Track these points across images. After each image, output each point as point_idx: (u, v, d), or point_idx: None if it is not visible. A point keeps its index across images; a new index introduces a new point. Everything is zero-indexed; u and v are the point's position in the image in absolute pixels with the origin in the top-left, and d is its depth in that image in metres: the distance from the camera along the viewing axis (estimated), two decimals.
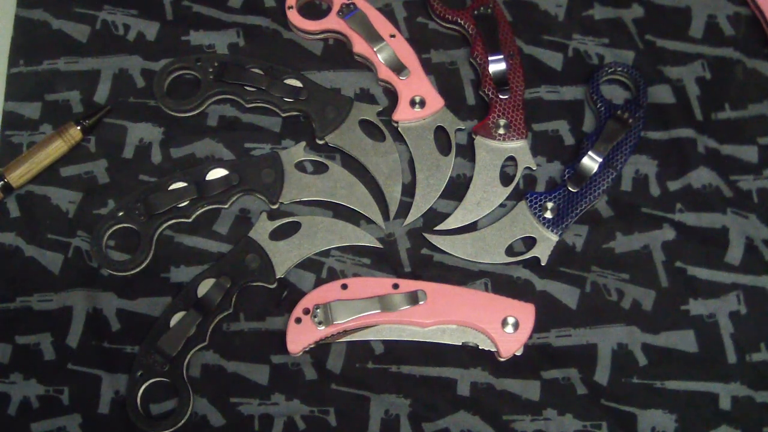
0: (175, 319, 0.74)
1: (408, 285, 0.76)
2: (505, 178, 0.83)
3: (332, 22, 0.87)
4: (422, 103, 0.84)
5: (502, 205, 0.82)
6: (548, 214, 0.80)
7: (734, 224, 0.82)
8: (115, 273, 0.78)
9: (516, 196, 0.82)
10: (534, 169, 0.83)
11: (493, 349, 0.76)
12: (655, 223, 0.82)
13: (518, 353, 0.76)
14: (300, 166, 0.82)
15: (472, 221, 0.81)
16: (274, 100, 0.83)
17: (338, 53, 0.88)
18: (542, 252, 0.79)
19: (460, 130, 0.85)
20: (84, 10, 0.88)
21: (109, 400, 0.75)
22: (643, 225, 0.82)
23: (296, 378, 0.76)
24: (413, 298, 0.75)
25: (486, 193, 0.82)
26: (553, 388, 0.76)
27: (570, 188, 0.81)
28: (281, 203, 0.81)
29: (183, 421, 0.73)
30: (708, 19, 0.90)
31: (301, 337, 0.74)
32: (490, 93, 0.84)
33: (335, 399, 0.75)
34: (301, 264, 0.79)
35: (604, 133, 0.82)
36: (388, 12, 0.90)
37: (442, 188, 0.82)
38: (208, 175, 0.80)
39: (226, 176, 0.80)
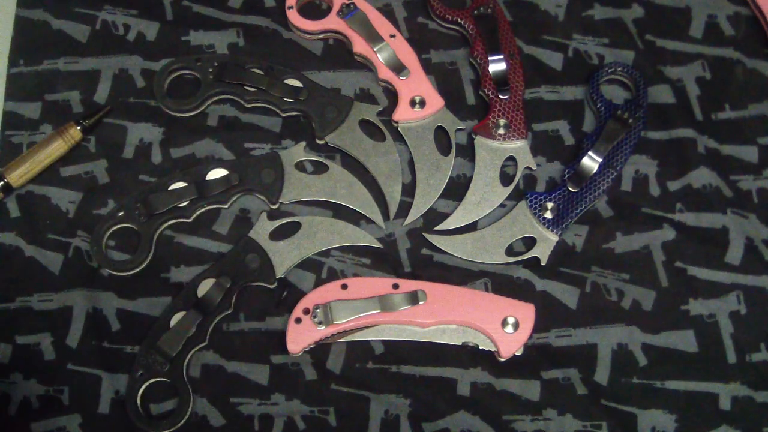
0: (175, 319, 0.74)
1: (408, 285, 0.76)
2: (505, 178, 0.83)
3: (332, 22, 0.87)
4: (422, 103, 0.84)
5: (502, 205, 0.82)
6: (548, 214, 0.80)
7: (734, 224, 0.82)
8: (115, 273, 0.78)
9: (516, 196, 0.82)
10: (534, 169, 0.83)
11: (493, 349, 0.76)
12: (655, 223, 0.82)
13: (518, 353, 0.76)
14: (300, 166, 0.82)
15: (472, 221, 0.81)
16: (274, 100, 0.83)
17: (338, 53, 0.88)
18: (542, 252, 0.79)
19: (460, 130, 0.85)
20: (84, 10, 0.88)
21: (109, 400, 0.75)
22: (643, 225, 0.82)
23: (296, 378, 0.76)
24: (413, 298, 0.75)
25: (486, 193, 0.82)
26: (553, 388, 0.76)
27: (570, 188, 0.81)
28: (281, 203, 0.81)
29: (183, 421, 0.73)
30: (708, 19, 0.90)
31: (301, 337, 0.74)
32: (490, 93, 0.84)
33: (335, 399, 0.75)
34: (301, 264, 0.79)
35: (604, 133, 0.82)
36: (388, 12, 0.90)
37: (442, 188, 0.82)
38: (208, 175, 0.80)
39: (226, 176, 0.80)
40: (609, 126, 0.82)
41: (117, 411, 0.74)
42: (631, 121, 0.83)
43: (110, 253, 0.79)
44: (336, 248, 0.80)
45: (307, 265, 0.80)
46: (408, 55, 0.86)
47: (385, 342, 0.77)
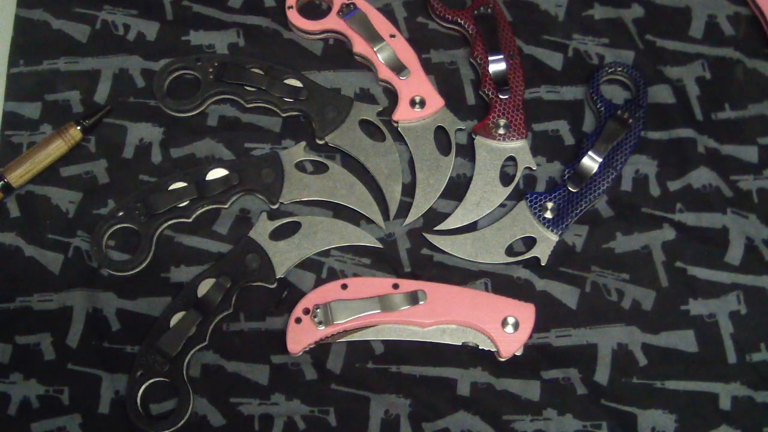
0: (175, 319, 0.74)
1: (408, 285, 0.76)
2: (505, 178, 0.83)
3: (332, 22, 0.87)
4: (422, 103, 0.84)
5: (502, 205, 0.82)
6: (548, 214, 0.80)
7: (734, 224, 0.82)
8: (115, 273, 0.78)
9: (516, 196, 0.82)
10: (534, 169, 0.83)
11: (493, 349, 0.76)
12: (655, 223, 0.82)
13: (518, 353, 0.76)
14: (300, 166, 0.82)
15: (472, 221, 0.81)
16: (274, 100, 0.83)
17: (338, 53, 0.88)
18: (542, 252, 0.79)
19: (460, 130, 0.85)
20: (84, 10, 0.88)
21: (109, 400, 0.75)
22: (643, 225, 0.82)
23: (296, 378, 0.76)
24: (413, 298, 0.75)
25: (486, 193, 0.82)
26: (553, 388, 0.76)
27: (570, 188, 0.81)
28: (281, 203, 0.81)
29: (183, 421, 0.73)
30: (708, 19, 0.90)
31: (301, 337, 0.74)
32: (490, 93, 0.84)
33: (335, 399, 0.75)
34: (301, 264, 0.79)
35: (604, 133, 0.82)
36: (388, 12, 0.90)
37: (442, 188, 0.82)
38: (208, 175, 0.80)
39: (226, 176, 0.80)
40: (609, 126, 0.82)
41: (117, 411, 0.74)
42: (631, 121, 0.83)
43: (110, 253, 0.79)
44: (336, 248, 0.80)
45: (307, 265, 0.80)
46: (408, 55, 0.86)
47: (385, 342, 0.77)
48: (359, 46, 0.86)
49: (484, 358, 0.77)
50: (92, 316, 0.77)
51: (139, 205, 0.78)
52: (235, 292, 0.76)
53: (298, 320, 0.75)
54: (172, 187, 0.79)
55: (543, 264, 0.79)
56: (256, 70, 0.84)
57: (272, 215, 0.80)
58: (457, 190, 0.83)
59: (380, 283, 0.76)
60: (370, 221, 0.82)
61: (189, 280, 0.77)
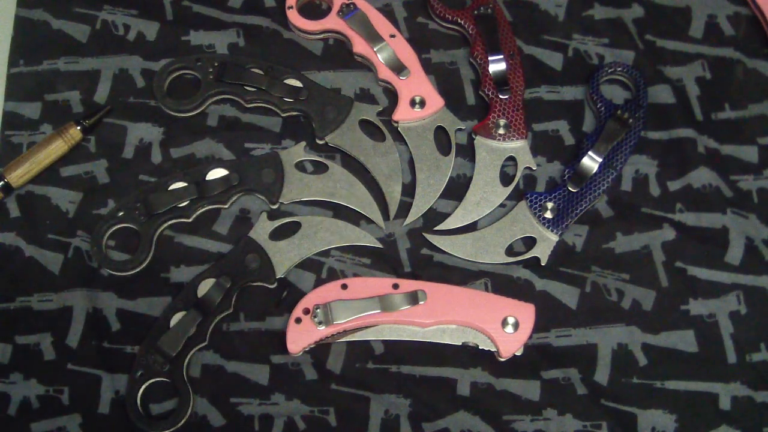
0: (175, 319, 0.74)
1: (408, 285, 0.76)
2: (505, 178, 0.83)
3: (332, 22, 0.87)
4: (422, 103, 0.84)
5: (502, 205, 0.82)
6: (548, 214, 0.80)
7: (734, 224, 0.82)
8: (115, 273, 0.78)
9: (516, 196, 0.82)
10: (534, 169, 0.83)
11: (493, 349, 0.76)
12: (655, 223, 0.82)
13: (518, 353, 0.76)
14: (300, 166, 0.82)
15: (472, 221, 0.81)
16: (274, 100, 0.83)
17: (338, 53, 0.88)
18: (542, 252, 0.79)
19: (460, 130, 0.85)
20: (84, 10, 0.88)
21: (109, 400, 0.75)
22: (643, 225, 0.82)
23: (296, 378, 0.76)
24: (413, 298, 0.75)
25: (486, 193, 0.82)
26: (553, 388, 0.76)
27: (570, 188, 0.81)
28: (281, 203, 0.81)
29: (183, 421, 0.73)
30: (708, 19, 0.90)
31: (301, 337, 0.74)
32: (490, 93, 0.84)
33: (335, 399, 0.75)
34: (301, 264, 0.79)
35: (604, 133, 0.82)
36: (388, 12, 0.90)
37: (442, 188, 0.82)
38: (208, 175, 0.80)
39: (226, 176, 0.80)
40: (609, 126, 0.82)
41: (117, 411, 0.74)
42: (631, 121, 0.83)
43: (110, 253, 0.79)
44: (336, 248, 0.80)
45: (307, 265, 0.80)
46: (408, 55, 0.86)
47: (385, 342, 0.77)
48: (359, 46, 0.86)
49: (484, 358, 0.77)
50: (92, 316, 0.77)
51: (139, 205, 0.78)
52: (235, 292, 0.76)
53: (298, 320, 0.75)
54: (172, 187, 0.79)
55: (543, 264, 0.79)
56: (256, 70, 0.84)
57: (272, 215, 0.80)
58: (457, 190, 0.83)
59: (380, 283, 0.76)
60: (370, 221, 0.82)
61: (189, 280, 0.77)
